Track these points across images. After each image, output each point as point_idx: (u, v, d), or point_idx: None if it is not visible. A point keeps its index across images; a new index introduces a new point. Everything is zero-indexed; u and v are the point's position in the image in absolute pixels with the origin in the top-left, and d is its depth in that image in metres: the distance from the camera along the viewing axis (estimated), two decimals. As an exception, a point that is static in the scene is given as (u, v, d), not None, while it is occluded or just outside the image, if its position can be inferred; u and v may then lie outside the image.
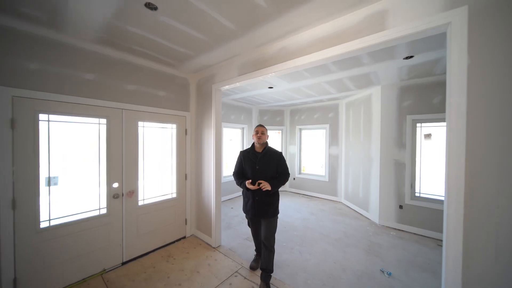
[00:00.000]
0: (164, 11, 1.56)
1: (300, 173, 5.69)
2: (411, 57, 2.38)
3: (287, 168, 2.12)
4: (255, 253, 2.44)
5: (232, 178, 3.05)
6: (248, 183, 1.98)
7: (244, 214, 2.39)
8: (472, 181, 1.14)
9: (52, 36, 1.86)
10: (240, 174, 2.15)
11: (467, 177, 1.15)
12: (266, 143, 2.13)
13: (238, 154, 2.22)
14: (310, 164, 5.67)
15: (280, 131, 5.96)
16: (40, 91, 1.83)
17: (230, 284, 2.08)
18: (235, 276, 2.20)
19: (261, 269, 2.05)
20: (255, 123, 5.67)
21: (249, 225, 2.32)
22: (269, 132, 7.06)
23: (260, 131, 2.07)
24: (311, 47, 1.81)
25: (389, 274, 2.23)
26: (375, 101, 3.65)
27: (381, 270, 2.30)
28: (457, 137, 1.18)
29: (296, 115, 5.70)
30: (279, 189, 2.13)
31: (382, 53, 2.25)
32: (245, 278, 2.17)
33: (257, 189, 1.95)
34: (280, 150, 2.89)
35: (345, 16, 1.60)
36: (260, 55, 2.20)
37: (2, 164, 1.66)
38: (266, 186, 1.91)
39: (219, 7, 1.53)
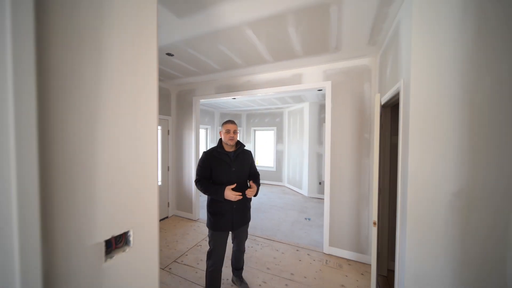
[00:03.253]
0: (177, 57, 2.45)
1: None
2: (321, 90, 3.96)
3: (256, 168, 1.90)
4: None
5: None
6: (229, 190, 1.52)
7: (210, 232, 1.69)
8: (334, 172, 2.60)
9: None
10: (208, 180, 1.66)
11: (333, 170, 2.60)
12: (238, 140, 1.76)
13: (201, 156, 1.71)
14: (262, 158, 7.08)
15: (238, 132, 7.12)
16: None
17: (213, 236, 3.11)
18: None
19: (236, 269, 1.98)
20: (217, 124, 6.61)
21: (211, 253, 1.68)
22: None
23: (233, 129, 1.67)
24: (265, 83, 3.03)
25: (309, 219, 3.74)
26: (306, 112, 5.28)
27: (305, 218, 3.80)
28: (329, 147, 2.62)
29: (251, 119, 6.98)
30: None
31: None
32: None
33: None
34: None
35: (283, 71, 2.88)
36: (232, 82, 3.28)
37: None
38: (252, 191, 1.61)
39: (211, 59, 2.54)
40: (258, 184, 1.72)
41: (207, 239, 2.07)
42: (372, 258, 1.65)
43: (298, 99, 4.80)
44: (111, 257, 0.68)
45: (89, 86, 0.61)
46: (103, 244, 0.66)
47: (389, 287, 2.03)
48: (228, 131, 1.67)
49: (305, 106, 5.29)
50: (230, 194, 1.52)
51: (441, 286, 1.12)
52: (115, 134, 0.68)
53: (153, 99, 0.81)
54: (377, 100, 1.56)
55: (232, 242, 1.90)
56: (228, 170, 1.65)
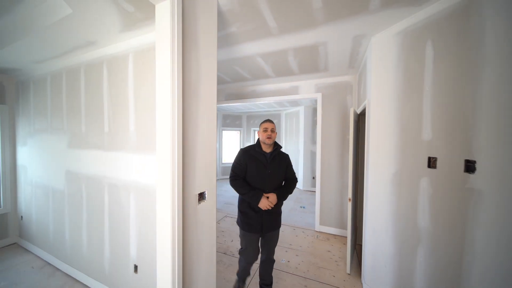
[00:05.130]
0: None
1: (254, 163, 7.64)
2: (315, 96, 4.60)
3: (294, 172, 1.75)
4: (236, 278, 1.94)
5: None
6: (266, 199, 1.52)
7: (241, 232, 1.70)
8: (324, 165, 3.24)
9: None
10: (244, 179, 1.62)
11: (323, 165, 3.25)
12: (275, 141, 1.67)
13: (237, 153, 1.67)
14: (261, 156, 7.71)
15: (239, 132, 7.71)
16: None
17: (224, 220, 3.72)
18: (225, 218, 3.84)
19: (266, 285, 1.79)
20: (219, 125, 7.19)
21: (244, 251, 1.72)
22: (230, 133, 8.71)
23: (270, 128, 1.60)
24: (267, 92, 3.64)
25: (304, 207, 4.40)
26: (301, 115, 5.93)
27: (300, 206, 4.45)
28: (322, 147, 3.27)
29: (251, 120, 7.59)
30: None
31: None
32: (231, 217, 3.85)
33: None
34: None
35: (283, 84, 3.50)
36: (240, 91, 3.88)
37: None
38: (272, 200, 1.54)
39: (227, 75, 3.12)
40: (289, 189, 1.67)
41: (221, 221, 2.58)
42: (348, 227, 2.29)
43: (295, 103, 5.43)
44: (199, 203, 1.29)
45: (195, 114, 1.22)
46: (197, 195, 1.27)
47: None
48: (265, 130, 1.60)
49: (301, 109, 5.93)
50: (265, 203, 1.52)
51: (385, 233, 1.77)
52: (202, 137, 1.30)
53: (214, 116, 1.42)
54: (352, 113, 2.18)
55: (261, 252, 1.74)
56: (262, 171, 1.58)
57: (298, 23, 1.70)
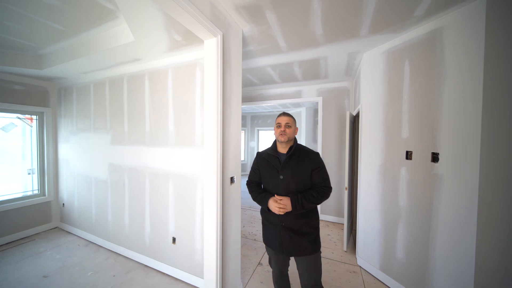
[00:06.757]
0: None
1: (258, 161, 8.08)
2: (316, 99, 5.02)
3: (328, 179, 1.31)
4: None
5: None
6: (274, 201, 1.25)
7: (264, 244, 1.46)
8: (324, 162, 3.66)
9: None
10: (258, 184, 1.45)
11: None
12: (295, 140, 1.37)
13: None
14: (265, 155, 8.15)
15: (243, 131, 8.14)
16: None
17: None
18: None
19: None
20: (226, 125, 7.60)
21: (270, 262, 1.48)
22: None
23: (284, 122, 1.31)
24: (273, 96, 4.06)
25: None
26: (303, 115, 6.34)
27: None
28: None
29: (255, 120, 8.01)
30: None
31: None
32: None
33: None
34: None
35: (287, 88, 3.92)
36: (249, 95, 4.30)
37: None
38: (284, 206, 1.21)
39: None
40: (308, 199, 1.21)
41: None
42: (345, 211, 2.70)
43: (297, 104, 5.83)
44: (230, 185, 1.72)
45: (229, 117, 1.65)
46: (229, 178, 1.69)
47: (358, 235, 3.12)
48: (278, 125, 1.31)
49: (303, 110, 6.35)
50: (273, 205, 1.24)
51: (374, 213, 2.19)
52: (232, 134, 1.72)
53: (239, 119, 1.84)
54: (348, 115, 2.60)
55: (299, 278, 1.37)
56: (274, 177, 1.30)
57: (303, 44, 2.12)
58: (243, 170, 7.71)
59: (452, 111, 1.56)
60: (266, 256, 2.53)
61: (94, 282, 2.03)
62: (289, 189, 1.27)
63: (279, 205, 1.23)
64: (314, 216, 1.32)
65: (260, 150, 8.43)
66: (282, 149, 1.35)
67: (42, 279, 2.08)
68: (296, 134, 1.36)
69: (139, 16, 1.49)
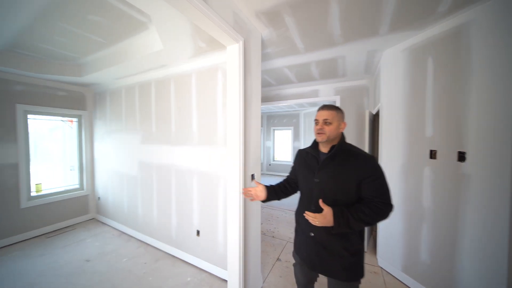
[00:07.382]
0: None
1: (274, 160, 8.12)
2: (333, 97, 4.95)
3: (388, 193, 0.99)
4: None
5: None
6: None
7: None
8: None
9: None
10: (289, 182, 1.33)
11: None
12: (341, 137, 1.12)
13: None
14: (281, 154, 8.16)
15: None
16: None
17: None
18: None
19: None
20: (242, 125, 7.76)
21: (297, 274, 1.30)
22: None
23: (322, 118, 1.07)
24: (289, 96, 4.09)
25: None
26: (320, 114, 6.27)
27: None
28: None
29: (271, 119, 8.07)
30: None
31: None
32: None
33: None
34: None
35: (304, 88, 3.93)
36: (265, 95, 4.38)
37: (149, 149, 3.40)
38: (314, 216, 0.98)
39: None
40: (354, 217, 0.94)
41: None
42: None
43: (313, 103, 5.79)
44: (251, 181, 1.81)
45: (249, 118, 1.75)
46: (250, 175, 1.79)
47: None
48: (316, 122, 1.11)
49: (319, 109, 6.28)
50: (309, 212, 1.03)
51: (397, 213, 2.15)
52: (253, 134, 1.82)
53: (259, 119, 1.93)
54: (367, 114, 2.56)
55: None
56: (309, 179, 1.12)
57: (321, 44, 2.15)
58: (259, 169, 7.81)
59: (481, 109, 1.51)
60: (284, 253, 2.59)
61: (129, 267, 2.26)
62: (325, 196, 1.03)
63: (308, 214, 1.00)
64: (354, 239, 1.02)
65: (276, 150, 8.61)
66: (323, 148, 1.13)
67: (85, 262, 2.36)
68: (342, 130, 1.10)
69: (168, 26, 1.65)
